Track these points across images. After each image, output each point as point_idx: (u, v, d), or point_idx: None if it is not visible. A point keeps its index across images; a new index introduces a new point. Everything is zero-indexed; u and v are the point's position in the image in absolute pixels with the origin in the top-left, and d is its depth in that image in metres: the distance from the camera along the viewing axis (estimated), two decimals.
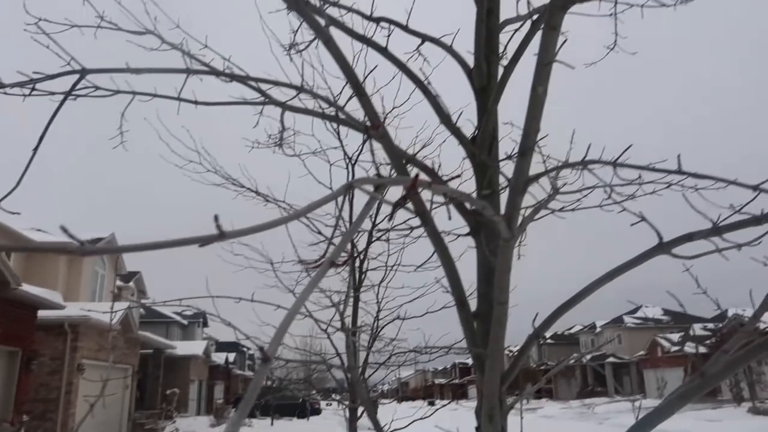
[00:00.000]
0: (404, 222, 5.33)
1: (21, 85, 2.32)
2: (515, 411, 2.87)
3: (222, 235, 0.79)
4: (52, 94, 2.83)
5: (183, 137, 5.02)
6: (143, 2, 3.33)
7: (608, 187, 1.83)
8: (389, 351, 6.83)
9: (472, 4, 3.05)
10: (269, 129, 4.64)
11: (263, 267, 5.84)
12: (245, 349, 55.85)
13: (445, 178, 2.50)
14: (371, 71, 3.10)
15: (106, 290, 25.17)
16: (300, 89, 2.52)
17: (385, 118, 4.81)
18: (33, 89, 2.36)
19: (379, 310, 6.91)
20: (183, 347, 33.41)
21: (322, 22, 2.38)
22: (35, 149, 2.16)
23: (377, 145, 3.39)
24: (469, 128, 3.01)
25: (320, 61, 4.13)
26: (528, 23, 2.69)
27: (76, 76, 2.68)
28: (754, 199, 1.63)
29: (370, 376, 7.08)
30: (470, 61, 2.79)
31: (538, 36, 2.32)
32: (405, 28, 3.01)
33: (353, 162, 6.69)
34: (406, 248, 6.52)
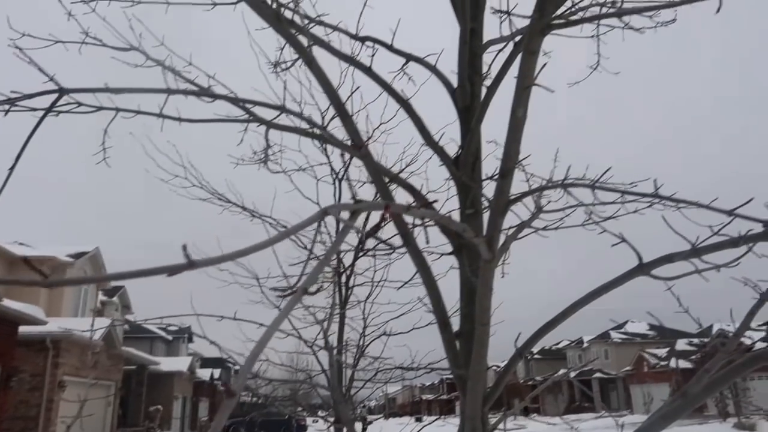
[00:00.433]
0: (387, 240, 5.33)
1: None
2: (500, 429, 2.85)
3: (191, 264, 0.78)
4: (33, 110, 2.80)
5: (169, 152, 5.00)
6: (128, 19, 3.33)
7: (588, 209, 1.83)
8: (375, 368, 6.79)
9: (456, 24, 3.08)
10: (255, 145, 4.63)
11: (249, 283, 5.80)
12: (231, 365, 55.23)
13: (423, 202, 2.50)
14: (354, 91, 3.11)
15: (89, 305, 24.84)
16: (282, 109, 2.52)
17: (368, 139, 4.83)
18: (12, 107, 2.34)
19: (365, 327, 6.87)
20: (167, 363, 32.97)
21: (305, 42, 2.39)
22: (11, 168, 2.13)
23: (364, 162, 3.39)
24: (453, 147, 3.03)
25: (307, 76, 4.14)
26: (511, 44, 2.72)
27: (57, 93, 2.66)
28: (729, 222, 1.64)
29: (356, 393, 7.03)
30: (454, 81, 2.81)
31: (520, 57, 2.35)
32: (390, 48, 3.03)
33: (340, 178, 6.69)
34: (392, 264, 6.51)
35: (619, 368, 56.64)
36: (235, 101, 2.53)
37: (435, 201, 1.72)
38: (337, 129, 3.40)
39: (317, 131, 2.82)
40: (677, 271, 2.16)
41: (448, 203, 3.60)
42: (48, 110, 2.28)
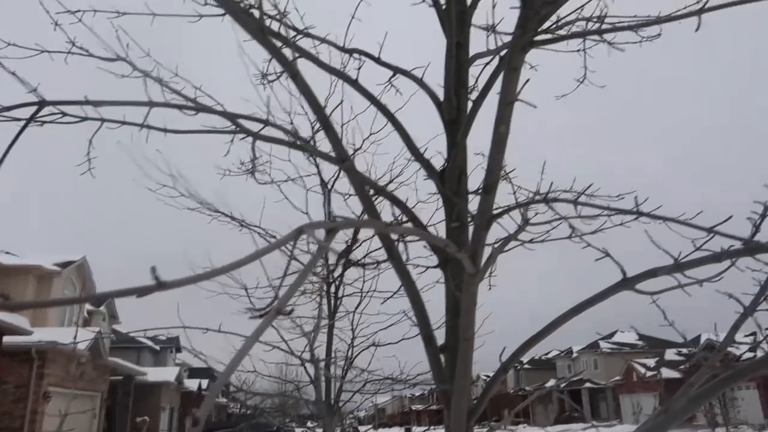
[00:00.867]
0: (360, 261, 5.33)
1: None
2: None
3: (160, 285, 0.76)
4: (18, 120, 2.78)
5: (158, 161, 4.97)
6: (115, 29, 3.31)
7: (572, 224, 1.84)
8: (364, 379, 6.75)
9: (443, 37, 3.09)
10: (242, 155, 4.62)
11: (237, 293, 5.76)
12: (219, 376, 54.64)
13: (409, 216, 2.50)
14: (340, 103, 3.11)
15: (76, 315, 24.57)
16: (266, 122, 2.51)
17: (354, 152, 4.83)
18: None
19: (353, 338, 6.84)
20: (154, 373, 32.62)
21: (290, 55, 2.38)
22: None
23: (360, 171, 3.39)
24: (440, 160, 3.03)
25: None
26: (497, 58, 2.73)
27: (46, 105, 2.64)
28: (708, 240, 1.65)
29: (344, 404, 6.98)
30: (441, 94, 2.81)
31: None
32: (377, 60, 3.03)
33: (329, 188, 6.68)
34: (382, 273, 6.48)
35: (609, 378, 56.75)
36: (219, 113, 2.52)
37: (415, 218, 1.71)
38: (325, 140, 3.40)
39: (303, 143, 2.81)
40: (661, 285, 2.17)
41: (438, 214, 3.61)
42: (28, 122, 2.26)
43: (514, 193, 3.25)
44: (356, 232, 0.98)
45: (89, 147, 3.28)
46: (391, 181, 5.64)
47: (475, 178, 3.18)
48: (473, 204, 2.63)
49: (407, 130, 2.75)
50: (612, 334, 60.78)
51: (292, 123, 5.21)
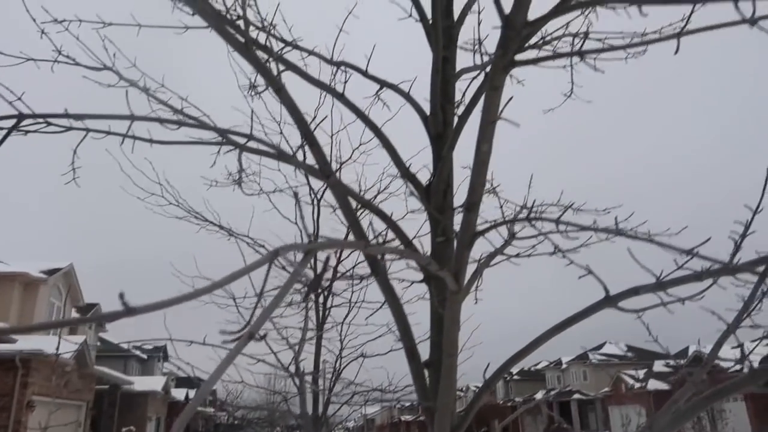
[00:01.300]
0: (352, 268, 5.31)
1: None
2: None
3: (129, 311, 0.75)
4: (1, 129, 2.75)
5: (145, 169, 4.95)
6: (102, 39, 3.30)
7: (554, 242, 1.84)
8: (352, 390, 6.72)
9: (430, 50, 3.10)
10: (231, 164, 4.60)
11: (225, 303, 5.74)
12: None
13: (395, 229, 2.49)
14: (324, 118, 3.11)
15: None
16: (250, 137, 2.50)
17: (341, 166, 4.83)
18: None
19: (342, 349, 6.81)
20: (141, 383, 32.26)
21: (275, 70, 2.38)
22: None
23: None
24: (427, 174, 3.03)
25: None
26: (483, 74, 2.74)
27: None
28: (688, 260, 1.66)
29: (332, 415, 6.93)
30: (427, 108, 2.82)
31: None
32: (365, 74, 3.03)
33: (319, 197, 6.68)
34: (370, 285, 6.47)
35: (598, 389, 56.77)
36: (202, 127, 2.51)
37: (393, 239, 1.70)
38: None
39: (288, 157, 2.79)
40: (644, 302, 2.17)
41: (427, 225, 3.61)
42: (8, 134, 2.23)
43: (501, 207, 3.26)
44: (325, 264, 0.96)
45: (74, 156, 3.25)
46: (380, 192, 5.64)
47: (462, 192, 3.19)
48: (457, 219, 2.63)
49: (394, 145, 2.75)
50: (601, 345, 60.92)
51: (281, 132, 5.21)
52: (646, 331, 2.97)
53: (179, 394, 42.14)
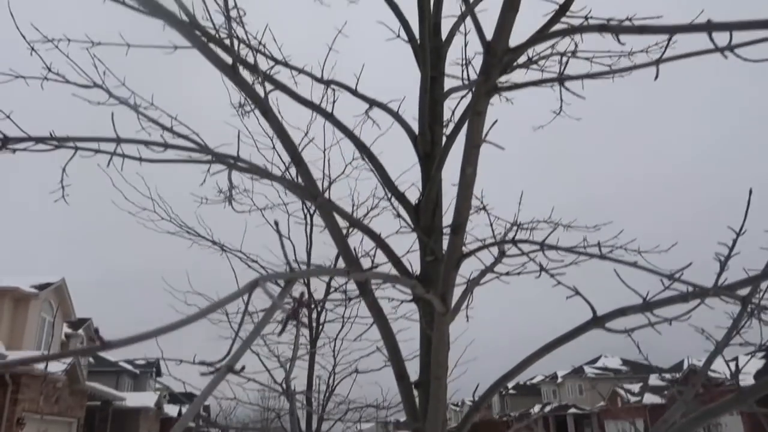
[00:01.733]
0: (341, 287, 5.30)
1: None
2: None
3: (105, 345, 0.75)
4: None
5: (138, 184, 4.94)
6: (92, 57, 3.31)
7: (539, 265, 1.84)
8: (346, 407, 6.68)
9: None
10: (221, 182, 4.60)
11: (217, 318, 5.70)
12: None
13: (383, 248, 2.49)
14: (310, 141, 3.11)
15: (53, 338, 24.04)
16: (237, 159, 2.50)
17: (330, 184, 4.84)
18: None
19: (335, 365, 6.77)
20: (133, 398, 31.91)
21: (261, 92, 2.39)
22: None
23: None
24: (416, 192, 3.04)
25: (279, 111, 4.15)
26: (470, 94, 2.76)
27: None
28: (670, 285, 1.66)
29: (328, 430, 6.87)
30: (416, 127, 2.83)
31: None
32: (354, 92, 3.05)
33: (312, 212, 6.68)
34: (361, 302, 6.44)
35: (594, 404, 56.55)
36: (190, 149, 2.51)
37: (377, 266, 1.70)
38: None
39: (276, 177, 2.80)
40: (632, 322, 2.18)
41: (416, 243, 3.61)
42: None
43: (491, 224, 3.27)
44: (300, 299, 0.96)
45: (63, 174, 3.25)
46: (371, 210, 5.64)
47: (452, 210, 3.20)
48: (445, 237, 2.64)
49: (383, 163, 2.76)
50: (596, 359, 60.79)
51: (273, 147, 5.22)
52: (636, 347, 2.98)
53: (172, 410, 41.67)
